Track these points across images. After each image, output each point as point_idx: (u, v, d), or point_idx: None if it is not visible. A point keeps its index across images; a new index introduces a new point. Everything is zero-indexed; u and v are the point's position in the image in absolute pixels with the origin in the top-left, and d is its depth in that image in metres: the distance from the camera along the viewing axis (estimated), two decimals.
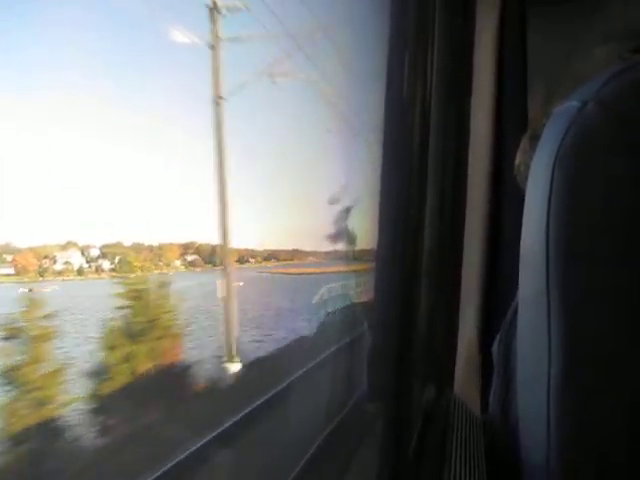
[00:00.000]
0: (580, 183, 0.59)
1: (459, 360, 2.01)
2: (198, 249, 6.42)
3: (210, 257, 6.38)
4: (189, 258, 6.38)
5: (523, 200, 0.69)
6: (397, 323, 1.20)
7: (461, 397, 1.77)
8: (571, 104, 0.62)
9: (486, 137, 2.16)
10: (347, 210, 1.66)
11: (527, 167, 0.71)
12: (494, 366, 1.26)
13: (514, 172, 1.49)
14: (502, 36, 2.23)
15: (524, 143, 1.48)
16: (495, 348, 1.27)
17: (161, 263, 6.35)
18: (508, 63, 2.26)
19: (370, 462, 1.36)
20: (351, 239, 1.80)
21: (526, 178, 0.69)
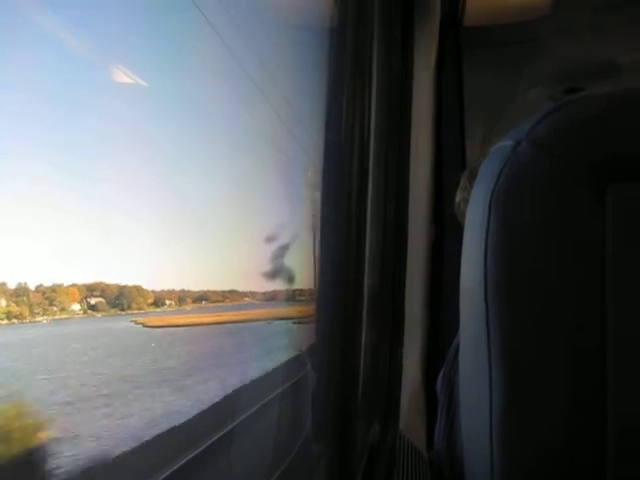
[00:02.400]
0: (515, 221, 0.60)
1: (404, 397, 2.01)
2: (104, 291, 5.68)
3: (116, 300, 5.66)
4: (92, 301, 5.64)
5: (463, 237, 0.70)
6: (339, 363, 1.19)
7: (407, 434, 1.76)
8: (505, 144, 0.63)
9: (426, 175, 2.19)
10: (284, 247, 1.65)
11: (467, 204, 0.72)
12: (438, 402, 1.27)
13: (454, 209, 1.51)
14: (440, 76, 2.27)
15: (463, 181, 1.50)
16: (439, 384, 1.28)
17: (55, 308, 5.62)
18: (446, 102, 2.30)
19: None
20: (289, 277, 1.78)
21: (465, 216, 0.70)
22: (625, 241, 0.57)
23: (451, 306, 0.92)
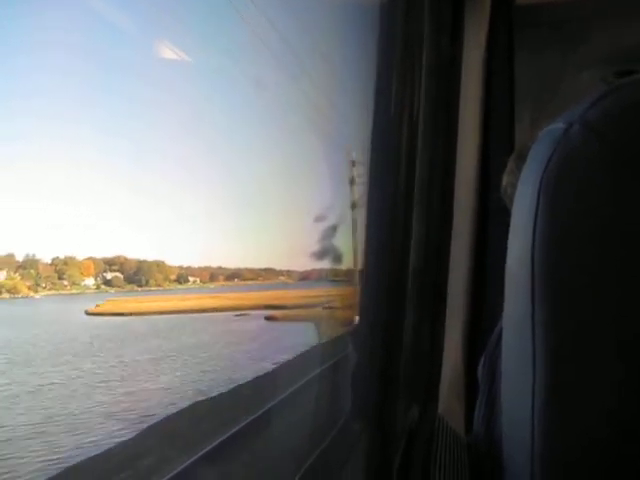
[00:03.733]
0: (565, 206, 0.59)
1: (444, 380, 2.01)
2: (122, 265, 5.52)
3: (135, 275, 5.53)
4: (108, 276, 5.50)
5: (509, 221, 0.69)
6: (381, 343, 1.19)
7: (445, 417, 1.76)
8: (557, 126, 0.62)
9: (473, 157, 2.17)
10: (333, 228, 1.65)
11: (514, 188, 0.71)
12: (479, 386, 1.26)
13: (501, 193, 1.49)
14: (490, 57, 2.24)
15: (511, 164, 1.48)
16: (480, 369, 1.27)
17: (65, 282, 5.40)
18: (495, 84, 2.28)
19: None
20: (337, 257, 1.78)
21: (512, 199, 0.69)
22: None
23: (495, 290, 0.91)
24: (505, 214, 0.79)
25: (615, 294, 0.57)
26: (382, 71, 1.24)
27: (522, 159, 0.70)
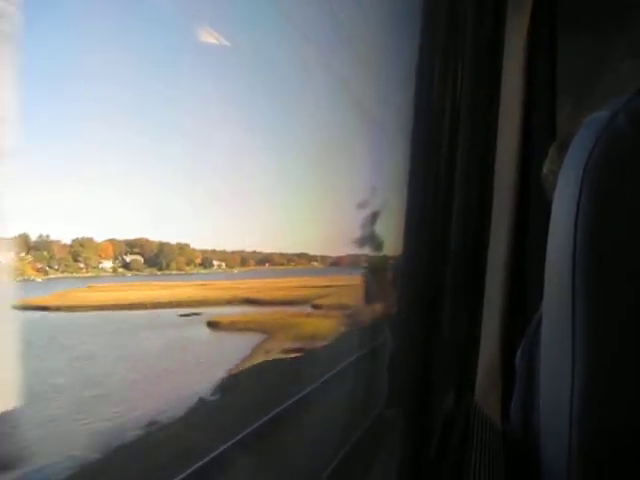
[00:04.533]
0: (609, 194, 0.59)
1: (481, 369, 2.00)
2: (143, 248, 5.26)
3: (155, 258, 5.28)
4: (128, 259, 5.23)
5: (549, 209, 0.69)
6: (420, 329, 1.19)
7: (482, 404, 1.76)
8: (601, 114, 0.62)
9: (513, 144, 2.15)
10: (374, 215, 1.65)
11: (555, 176, 0.71)
12: (516, 376, 1.26)
13: (541, 180, 1.48)
14: (532, 42, 2.22)
15: (552, 152, 1.47)
16: (518, 358, 1.26)
17: (81, 265, 5.09)
18: (537, 70, 2.25)
19: (390, 467, 1.36)
20: (377, 244, 1.78)
21: (553, 187, 0.69)
22: None
23: (534, 279, 0.91)
24: (546, 202, 0.78)
25: None
26: (424, 55, 1.23)
27: (564, 147, 0.69)
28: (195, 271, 5.49)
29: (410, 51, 1.26)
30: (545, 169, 1.48)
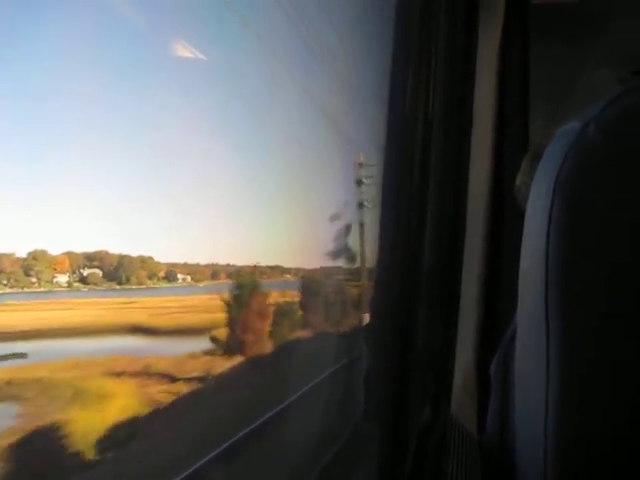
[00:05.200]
0: (580, 205, 0.59)
1: (456, 380, 2.01)
2: (103, 261, 4.94)
3: (114, 272, 4.92)
4: (85, 272, 4.89)
5: (523, 221, 0.69)
6: (395, 342, 1.19)
7: (458, 417, 1.76)
8: (572, 125, 0.62)
9: (487, 156, 2.17)
10: (348, 227, 1.66)
11: (527, 188, 0.71)
12: (492, 386, 1.26)
13: (514, 192, 1.49)
14: (504, 55, 2.24)
15: (525, 164, 1.48)
16: (493, 368, 1.27)
17: (33, 279, 4.67)
18: (510, 82, 2.27)
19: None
20: (351, 256, 1.79)
21: (526, 199, 0.69)
22: None
23: (508, 290, 0.91)
24: (519, 214, 0.79)
25: (632, 291, 0.57)
26: (397, 69, 1.24)
27: (536, 159, 0.70)
28: (159, 285, 5.26)
29: (382, 64, 1.27)
30: (518, 181, 1.50)
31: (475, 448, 1.31)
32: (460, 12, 1.85)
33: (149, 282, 5.24)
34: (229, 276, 6.09)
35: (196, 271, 5.95)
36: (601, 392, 0.59)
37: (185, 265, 5.89)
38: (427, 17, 1.39)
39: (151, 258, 5.67)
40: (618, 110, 0.60)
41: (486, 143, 2.16)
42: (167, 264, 5.85)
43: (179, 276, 5.58)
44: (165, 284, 5.69)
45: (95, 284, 5.11)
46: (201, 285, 5.96)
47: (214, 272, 6.07)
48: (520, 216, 0.72)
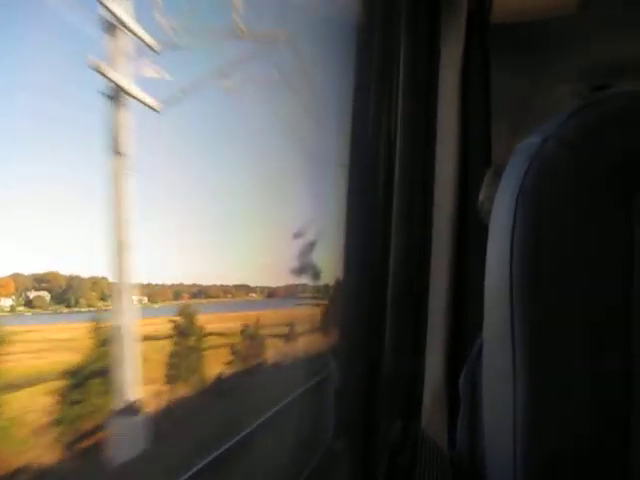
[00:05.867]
0: (542, 219, 0.60)
1: (426, 395, 2.01)
2: (51, 283, 4.62)
3: (63, 294, 4.58)
4: (32, 295, 4.55)
5: (487, 235, 0.70)
6: (363, 360, 1.19)
7: (428, 432, 1.76)
8: (533, 140, 0.63)
9: (451, 173, 2.18)
10: (312, 244, 1.66)
11: (490, 202, 0.72)
12: (461, 400, 1.26)
13: (478, 207, 1.50)
14: (466, 74, 2.26)
15: (488, 178, 1.50)
16: (462, 382, 1.27)
17: None
18: (472, 100, 2.30)
19: None
20: (315, 273, 1.79)
21: (489, 213, 0.70)
22: None
23: (475, 303, 0.92)
24: (483, 228, 0.80)
25: (595, 304, 0.58)
26: (359, 90, 1.25)
27: (499, 174, 0.71)
28: (112, 307, 4.91)
29: (347, 89, 1.28)
30: (481, 196, 1.51)
31: (446, 463, 1.31)
32: (422, 30, 1.87)
33: (100, 304, 4.97)
34: (193, 296, 5.92)
35: (155, 292, 5.75)
36: (568, 406, 0.59)
37: (148, 285, 5.72)
38: (389, 34, 1.41)
39: (105, 279, 5.38)
40: (576, 124, 0.61)
41: (450, 160, 2.17)
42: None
43: (134, 297, 5.20)
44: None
45: (41, 307, 4.86)
46: (156, 306, 5.74)
47: (176, 292, 5.89)
48: (485, 231, 0.72)
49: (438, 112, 2.06)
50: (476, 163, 2.23)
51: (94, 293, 5.18)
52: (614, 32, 2.45)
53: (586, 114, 0.62)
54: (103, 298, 5.18)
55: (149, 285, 5.99)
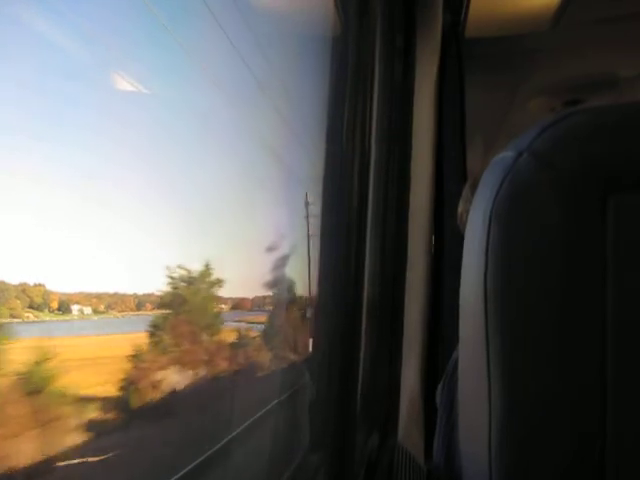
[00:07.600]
0: (516, 233, 0.60)
1: (402, 408, 2.01)
2: None
3: None
4: None
5: (462, 248, 0.70)
6: (338, 373, 1.19)
7: (405, 445, 1.76)
8: (506, 155, 0.63)
9: (427, 187, 2.19)
10: (285, 258, 1.66)
11: (468, 215, 0.72)
12: (437, 413, 1.26)
13: (457, 220, 1.51)
14: (441, 88, 2.27)
15: (466, 192, 1.50)
16: (438, 396, 1.27)
17: None
18: (447, 114, 2.31)
19: None
20: (288, 287, 1.78)
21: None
22: (626, 252, 0.57)
23: (451, 318, 0.92)
24: (460, 242, 0.80)
25: (570, 318, 0.58)
26: (334, 103, 1.25)
27: (476, 187, 0.71)
28: (48, 318, 4.55)
29: (321, 98, 1.28)
30: (460, 209, 1.52)
31: (422, 476, 1.31)
32: (397, 44, 1.88)
33: (30, 314, 4.65)
34: (158, 307, 5.69)
35: (117, 301, 5.55)
36: (543, 418, 0.60)
37: (105, 294, 5.46)
38: (364, 47, 1.41)
39: (40, 285, 5.10)
40: (548, 138, 0.62)
41: (425, 174, 2.18)
42: (76, 293, 5.22)
43: (74, 307, 4.82)
44: (55, 317, 5.01)
45: None
46: (95, 318, 5.41)
47: (139, 302, 5.71)
48: (460, 244, 0.73)
49: (413, 125, 2.07)
50: (451, 177, 2.24)
51: (18, 301, 4.87)
52: (585, 49, 2.48)
53: (559, 128, 0.62)
54: (40, 308, 4.84)
55: (106, 294, 5.73)
